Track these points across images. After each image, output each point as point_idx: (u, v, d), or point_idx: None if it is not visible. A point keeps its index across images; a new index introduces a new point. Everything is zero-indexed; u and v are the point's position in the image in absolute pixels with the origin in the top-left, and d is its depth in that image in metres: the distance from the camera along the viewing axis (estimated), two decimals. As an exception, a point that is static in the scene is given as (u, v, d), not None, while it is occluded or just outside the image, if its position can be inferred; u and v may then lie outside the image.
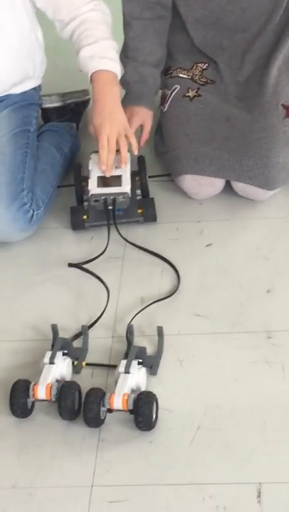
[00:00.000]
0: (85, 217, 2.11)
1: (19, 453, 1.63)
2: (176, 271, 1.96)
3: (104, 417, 1.64)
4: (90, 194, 2.07)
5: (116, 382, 1.66)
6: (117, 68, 2.06)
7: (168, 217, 2.12)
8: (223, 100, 2.16)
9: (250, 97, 2.14)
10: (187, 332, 1.83)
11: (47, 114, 2.38)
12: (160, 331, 1.79)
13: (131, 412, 1.62)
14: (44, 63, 2.25)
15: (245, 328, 1.82)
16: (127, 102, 2.15)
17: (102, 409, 1.62)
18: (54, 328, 1.81)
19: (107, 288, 1.92)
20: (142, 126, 2.19)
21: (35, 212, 2.06)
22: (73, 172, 2.18)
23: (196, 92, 2.16)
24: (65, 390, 1.65)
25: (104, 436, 1.63)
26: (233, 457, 1.57)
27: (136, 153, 2.09)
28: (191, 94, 2.16)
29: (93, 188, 2.07)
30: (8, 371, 1.78)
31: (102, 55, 2.04)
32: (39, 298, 1.96)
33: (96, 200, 2.05)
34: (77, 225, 2.12)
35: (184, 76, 2.20)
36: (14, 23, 2.12)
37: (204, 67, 2.21)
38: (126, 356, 1.72)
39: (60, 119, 2.37)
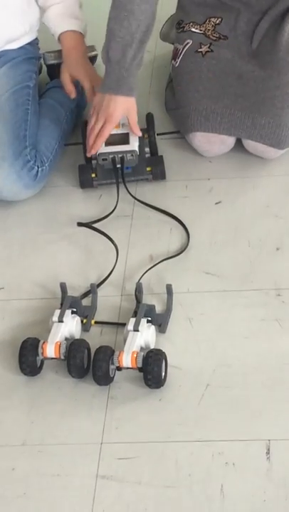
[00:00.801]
0: (93, 175, 2.10)
1: (29, 410, 1.64)
2: (186, 228, 1.95)
3: (114, 375, 1.64)
4: (97, 153, 2.05)
5: (125, 340, 1.65)
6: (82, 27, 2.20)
7: (177, 174, 2.10)
8: (236, 56, 2.11)
9: (264, 54, 2.09)
10: (196, 290, 1.82)
11: (52, 71, 2.35)
12: (169, 289, 1.78)
13: (140, 369, 1.62)
14: (38, 15, 2.23)
15: (254, 285, 1.82)
16: (106, 85, 2.02)
17: (112, 367, 1.63)
18: (63, 287, 1.80)
19: (116, 246, 1.91)
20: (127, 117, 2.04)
21: (39, 169, 2.05)
22: (81, 129, 2.16)
23: (209, 47, 2.11)
24: (74, 348, 1.65)
25: (114, 394, 1.64)
26: (242, 414, 1.57)
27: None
28: (203, 49, 2.11)
29: (101, 146, 2.06)
30: (17, 329, 1.79)
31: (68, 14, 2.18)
32: (48, 256, 1.96)
33: (104, 159, 2.04)
34: (85, 183, 2.11)
35: (197, 31, 2.15)
36: None
37: (217, 21, 2.15)
38: (135, 314, 1.72)
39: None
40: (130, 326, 1.67)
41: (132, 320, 1.68)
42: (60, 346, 1.65)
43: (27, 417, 1.63)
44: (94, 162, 2.10)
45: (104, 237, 1.95)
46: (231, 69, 2.09)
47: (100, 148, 2.03)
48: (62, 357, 1.66)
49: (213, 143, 2.10)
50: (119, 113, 2.01)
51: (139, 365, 1.62)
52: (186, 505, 1.45)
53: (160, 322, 1.74)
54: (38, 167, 2.05)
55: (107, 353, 1.63)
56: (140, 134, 2.05)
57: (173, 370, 1.65)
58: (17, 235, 2.03)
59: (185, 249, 1.91)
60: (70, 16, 2.19)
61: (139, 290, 1.78)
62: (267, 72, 2.06)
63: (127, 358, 1.61)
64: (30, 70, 2.20)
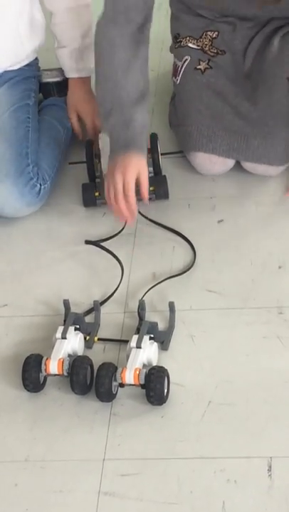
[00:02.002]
0: (96, 194, 2.11)
1: (31, 426, 1.64)
2: (192, 246, 1.97)
3: (116, 392, 1.65)
4: (104, 173, 2.07)
5: (128, 357, 1.66)
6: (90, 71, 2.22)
7: (179, 193, 2.12)
8: (234, 73, 2.12)
9: (256, 72, 2.10)
10: (199, 307, 1.83)
11: (47, 89, 2.37)
12: (172, 307, 1.79)
13: (142, 386, 1.63)
14: (42, 41, 2.26)
15: (256, 303, 1.82)
16: (115, 151, 1.93)
17: (114, 383, 1.63)
18: (66, 304, 1.81)
19: (121, 265, 1.92)
20: (138, 180, 1.91)
21: (42, 187, 2.07)
22: (85, 148, 2.17)
23: (207, 63, 2.12)
24: (77, 365, 1.65)
25: (116, 411, 1.64)
26: (244, 431, 1.58)
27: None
28: (202, 66, 2.12)
29: (106, 166, 2.07)
30: (20, 346, 1.79)
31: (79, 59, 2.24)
32: (51, 273, 1.97)
33: None
34: (89, 201, 2.13)
35: (194, 46, 2.15)
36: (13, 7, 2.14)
37: (214, 35, 2.14)
38: (138, 331, 1.72)
39: (60, 93, 2.37)
40: (133, 343, 1.68)
41: (135, 337, 1.69)
42: (63, 363, 1.66)
43: (30, 433, 1.63)
44: (97, 181, 2.12)
45: (108, 255, 1.96)
46: (229, 88, 2.10)
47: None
48: (65, 373, 1.67)
49: (214, 163, 2.12)
50: (133, 171, 1.89)
51: (142, 382, 1.62)
52: (187, 522, 1.46)
53: (162, 339, 1.75)
54: (40, 185, 2.07)
55: (109, 370, 1.63)
56: (148, 203, 1.97)
57: (175, 387, 1.66)
58: (21, 252, 2.05)
59: (191, 267, 1.92)
60: (80, 60, 2.24)
61: (141, 307, 1.79)
62: (259, 91, 2.07)
63: (129, 375, 1.62)
64: (29, 88, 2.23)
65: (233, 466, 1.52)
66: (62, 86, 2.32)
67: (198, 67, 2.14)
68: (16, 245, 2.07)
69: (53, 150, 2.19)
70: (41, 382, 1.68)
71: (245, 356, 1.72)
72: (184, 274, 1.91)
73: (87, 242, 2.02)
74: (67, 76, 2.28)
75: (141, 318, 1.78)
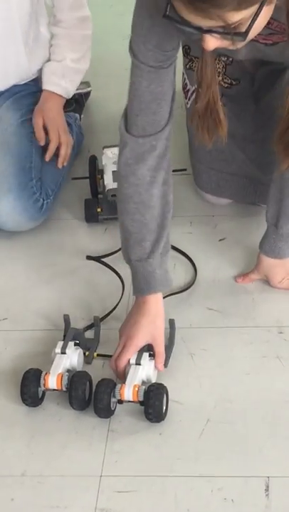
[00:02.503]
0: (99, 210, 2.12)
1: (29, 441, 1.64)
2: (193, 263, 1.97)
3: (115, 408, 1.65)
4: (106, 189, 2.07)
5: (127, 374, 1.66)
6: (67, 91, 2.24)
7: (182, 211, 2.12)
8: (243, 112, 1.98)
9: (264, 111, 1.95)
10: (199, 325, 1.83)
11: None
12: (172, 324, 1.79)
13: (141, 403, 1.62)
14: (47, 56, 2.28)
15: (256, 322, 1.82)
16: (136, 288, 1.73)
17: (113, 400, 1.63)
18: (66, 319, 1.81)
19: (122, 280, 1.92)
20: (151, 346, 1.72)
21: (45, 202, 2.08)
22: (88, 164, 2.18)
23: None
24: (76, 380, 1.65)
25: (114, 427, 1.64)
26: (242, 450, 1.57)
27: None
28: None
29: (109, 183, 2.08)
30: (19, 360, 1.79)
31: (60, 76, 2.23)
32: (52, 288, 1.97)
33: (113, 195, 2.05)
34: (91, 217, 2.13)
35: None
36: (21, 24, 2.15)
37: (228, 61, 1.93)
38: None
39: (64, 110, 2.38)
40: (132, 360, 1.68)
41: (134, 354, 1.69)
42: (62, 378, 1.66)
43: (27, 447, 1.63)
44: (100, 197, 2.12)
45: (109, 271, 1.97)
46: (238, 129, 1.96)
47: (111, 185, 1.98)
48: (64, 389, 1.66)
49: (220, 201, 2.14)
50: (142, 338, 1.69)
51: (140, 398, 1.62)
52: None
53: None
54: (43, 199, 2.07)
55: (108, 386, 1.63)
56: (162, 370, 1.71)
57: (174, 405, 1.65)
58: (21, 266, 2.05)
59: (192, 285, 1.92)
60: (62, 78, 2.23)
61: None
62: (266, 133, 1.81)
63: (128, 392, 1.62)
64: (34, 103, 2.23)
65: (230, 485, 1.52)
66: (67, 102, 2.32)
67: None
68: (17, 259, 2.07)
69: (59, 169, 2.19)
70: (40, 396, 1.68)
71: (245, 375, 1.72)
72: (185, 292, 1.91)
73: (89, 258, 2.02)
74: (43, 87, 2.24)
75: None
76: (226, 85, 1.95)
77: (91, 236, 2.11)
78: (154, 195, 1.69)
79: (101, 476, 1.56)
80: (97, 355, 1.78)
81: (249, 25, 1.34)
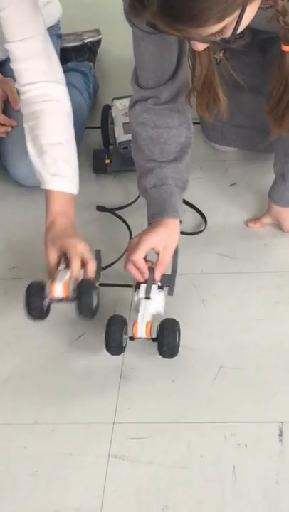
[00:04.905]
0: (107, 161, 2.09)
1: (41, 390, 1.63)
2: (202, 214, 1.95)
3: (126, 345, 1.63)
4: (118, 142, 2.04)
5: (137, 308, 1.63)
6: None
7: (192, 156, 2.09)
8: (248, 63, 1.93)
9: (269, 62, 1.80)
10: (210, 271, 1.82)
11: (65, 54, 2.35)
12: (175, 251, 1.72)
13: (154, 339, 1.61)
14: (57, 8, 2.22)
15: (268, 268, 1.81)
16: (151, 215, 1.71)
17: (124, 337, 1.62)
18: (98, 254, 1.73)
19: (129, 229, 1.91)
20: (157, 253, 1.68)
21: None
22: (101, 114, 2.14)
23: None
24: (84, 285, 1.60)
25: (126, 374, 1.64)
26: (255, 396, 1.57)
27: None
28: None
29: (120, 135, 2.05)
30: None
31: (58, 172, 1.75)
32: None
33: (125, 148, 2.03)
34: (98, 168, 2.11)
35: None
36: None
37: None
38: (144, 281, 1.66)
39: (79, 58, 2.34)
40: (142, 294, 1.64)
41: (143, 287, 1.64)
42: (68, 285, 1.59)
43: (39, 395, 1.62)
44: (111, 147, 2.09)
45: (118, 222, 1.95)
46: (246, 82, 1.86)
47: (122, 137, 1.93)
48: (70, 296, 1.59)
49: (228, 149, 2.13)
50: (157, 239, 1.65)
51: (154, 336, 1.61)
52: (197, 486, 1.45)
53: (167, 284, 1.69)
54: None
55: (120, 324, 1.62)
56: (158, 281, 1.67)
57: (186, 351, 1.64)
58: (30, 218, 2.03)
59: (202, 230, 1.91)
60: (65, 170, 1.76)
61: (149, 257, 1.69)
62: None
63: (141, 329, 1.60)
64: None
65: (243, 431, 1.51)
66: (80, 50, 2.29)
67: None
68: (27, 211, 2.05)
69: (77, 118, 2.14)
70: (45, 308, 1.62)
71: (257, 321, 1.70)
72: (195, 238, 1.89)
73: (99, 209, 2.00)
74: (43, 187, 1.76)
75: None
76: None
77: (100, 187, 2.09)
78: (163, 132, 1.71)
79: (114, 423, 1.56)
80: (100, 284, 1.71)
81: (233, 30, 1.35)
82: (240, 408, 1.55)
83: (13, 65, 1.73)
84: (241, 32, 1.85)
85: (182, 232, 1.83)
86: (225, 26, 1.33)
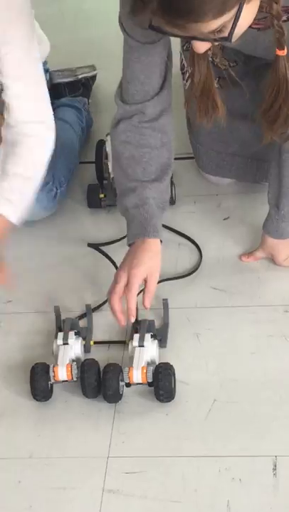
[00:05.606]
0: (102, 195, 2.10)
1: (36, 424, 1.63)
2: (197, 246, 1.96)
3: (123, 392, 1.64)
4: (112, 176, 2.06)
5: (131, 357, 1.65)
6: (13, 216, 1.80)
7: (185, 190, 2.11)
8: (242, 92, 1.88)
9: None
10: (204, 305, 1.83)
11: (59, 90, 2.36)
12: (165, 304, 1.79)
13: (150, 384, 1.62)
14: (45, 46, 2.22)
15: (262, 301, 1.82)
16: (131, 234, 1.71)
17: (121, 383, 1.63)
18: (56, 310, 1.79)
19: (116, 267, 1.91)
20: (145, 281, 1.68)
21: (58, 190, 2.06)
22: (96, 148, 2.16)
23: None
24: (86, 369, 1.64)
25: (121, 408, 1.64)
26: (249, 430, 1.57)
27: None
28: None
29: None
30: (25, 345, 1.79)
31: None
32: (51, 274, 1.96)
33: None
34: (93, 203, 2.12)
35: None
36: None
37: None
38: (135, 331, 1.71)
39: (72, 94, 2.35)
40: (135, 342, 1.67)
41: (136, 336, 1.68)
42: (71, 368, 1.65)
43: (34, 430, 1.63)
44: (105, 182, 2.11)
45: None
46: (237, 109, 1.90)
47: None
48: (74, 378, 1.65)
49: (222, 180, 2.12)
50: (144, 271, 1.66)
51: (150, 380, 1.62)
52: (192, 521, 1.45)
53: (160, 337, 1.74)
54: (56, 188, 2.06)
55: (116, 371, 1.63)
56: (148, 309, 1.68)
57: (180, 385, 1.65)
58: (25, 251, 2.03)
59: (197, 268, 1.91)
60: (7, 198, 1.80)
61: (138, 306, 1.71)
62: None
63: (137, 374, 1.62)
64: None
65: (237, 465, 1.51)
66: (74, 86, 2.30)
67: None
68: (22, 244, 2.04)
69: (70, 153, 2.16)
70: (49, 389, 1.67)
71: (251, 354, 1.71)
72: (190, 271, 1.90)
73: (90, 245, 2.01)
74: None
75: (136, 318, 1.69)
76: (224, 67, 1.89)
77: (93, 222, 2.09)
78: (145, 152, 1.72)
79: (108, 457, 1.56)
80: (94, 342, 1.77)
81: (231, 28, 1.38)
82: (234, 442, 1.55)
83: (4, 96, 1.78)
84: (234, 60, 1.91)
85: (179, 277, 1.88)
86: (224, 25, 1.37)
